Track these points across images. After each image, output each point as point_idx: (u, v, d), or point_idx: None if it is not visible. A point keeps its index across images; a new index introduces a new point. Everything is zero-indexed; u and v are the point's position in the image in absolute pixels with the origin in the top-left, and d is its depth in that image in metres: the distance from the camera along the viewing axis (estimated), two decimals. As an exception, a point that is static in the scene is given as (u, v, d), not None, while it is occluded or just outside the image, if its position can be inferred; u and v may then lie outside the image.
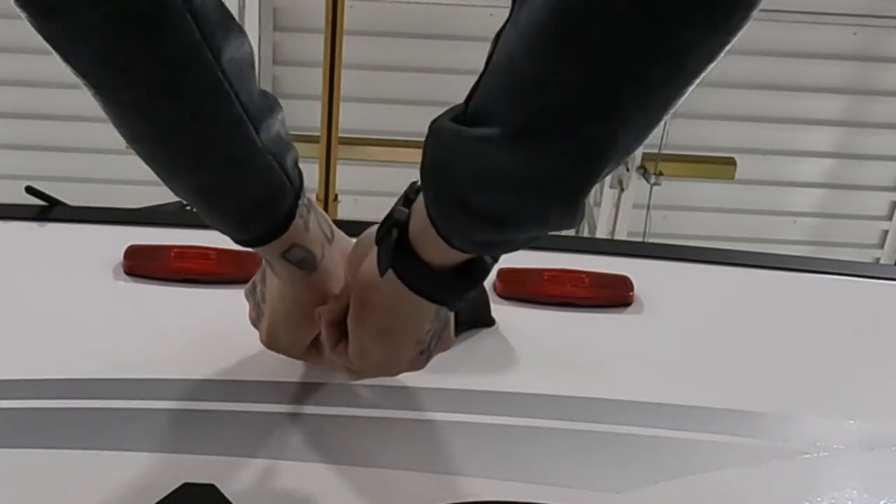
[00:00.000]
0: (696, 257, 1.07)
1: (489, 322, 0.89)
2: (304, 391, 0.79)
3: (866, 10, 3.62)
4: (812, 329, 0.97)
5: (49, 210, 1.08)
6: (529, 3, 0.50)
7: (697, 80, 0.50)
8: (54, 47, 0.58)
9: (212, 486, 0.65)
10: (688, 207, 3.94)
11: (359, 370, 0.73)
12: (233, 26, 0.61)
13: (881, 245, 4.08)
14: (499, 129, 0.52)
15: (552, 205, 0.54)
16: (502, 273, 0.94)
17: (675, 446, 0.76)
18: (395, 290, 0.64)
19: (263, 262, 0.76)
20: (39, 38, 0.58)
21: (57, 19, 0.56)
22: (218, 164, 0.64)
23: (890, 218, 4.02)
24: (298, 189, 0.69)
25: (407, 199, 0.63)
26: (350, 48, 2.94)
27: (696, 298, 1.00)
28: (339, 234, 0.75)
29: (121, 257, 0.96)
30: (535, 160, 0.52)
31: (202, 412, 0.75)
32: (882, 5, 3.62)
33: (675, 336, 0.93)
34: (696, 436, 0.77)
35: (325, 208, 3.02)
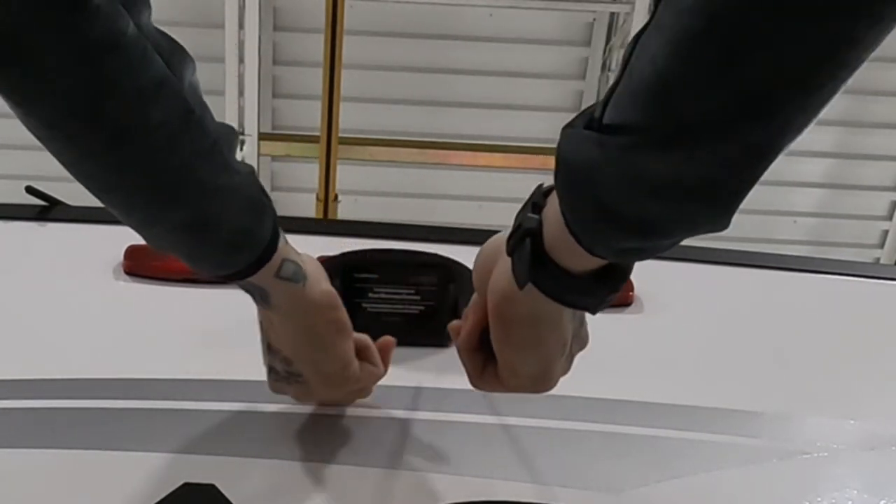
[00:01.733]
0: (696, 257, 1.07)
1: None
2: (304, 391, 0.79)
3: (866, 10, 3.61)
4: (812, 329, 0.97)
5: (49, 210, 1.08)
6: (673, 5, 0.47)
7: (854, 73, 0.47)
8: (21, 101, 0.55)
9: (212, 486, 0.65)
10: (688, 207, 3.94)
11: (513, 390, 0.68)
12: (182, 49, 0.60)
13: (881, 245, 4.07)
14: (647, 136, 0.49)
15: (705, 210, 0.52)
16: (502, 273, 0.93)
17: (675, 446, 0.76)
18: (534, 302, 0.60)
19: (257, 326, 0.72)
20: None
21: (20, 66, 0.53)
22: (200, 193, 0.62)
23: (890, 218, 4.02)
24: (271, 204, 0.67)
25: (535, 205, 0.59)
26: (350, 48, 2.94)
27: (696, 298, 1.00)
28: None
29: (121, 257, 0.96)
30: (689, 166, 0.49)
31: (202, 412, 0.75)
32: (882, 5, 3.61)
33: (675, 336, 0.93)
34: (696, 436, 0.77)
35: (325, 208, 3.02)
